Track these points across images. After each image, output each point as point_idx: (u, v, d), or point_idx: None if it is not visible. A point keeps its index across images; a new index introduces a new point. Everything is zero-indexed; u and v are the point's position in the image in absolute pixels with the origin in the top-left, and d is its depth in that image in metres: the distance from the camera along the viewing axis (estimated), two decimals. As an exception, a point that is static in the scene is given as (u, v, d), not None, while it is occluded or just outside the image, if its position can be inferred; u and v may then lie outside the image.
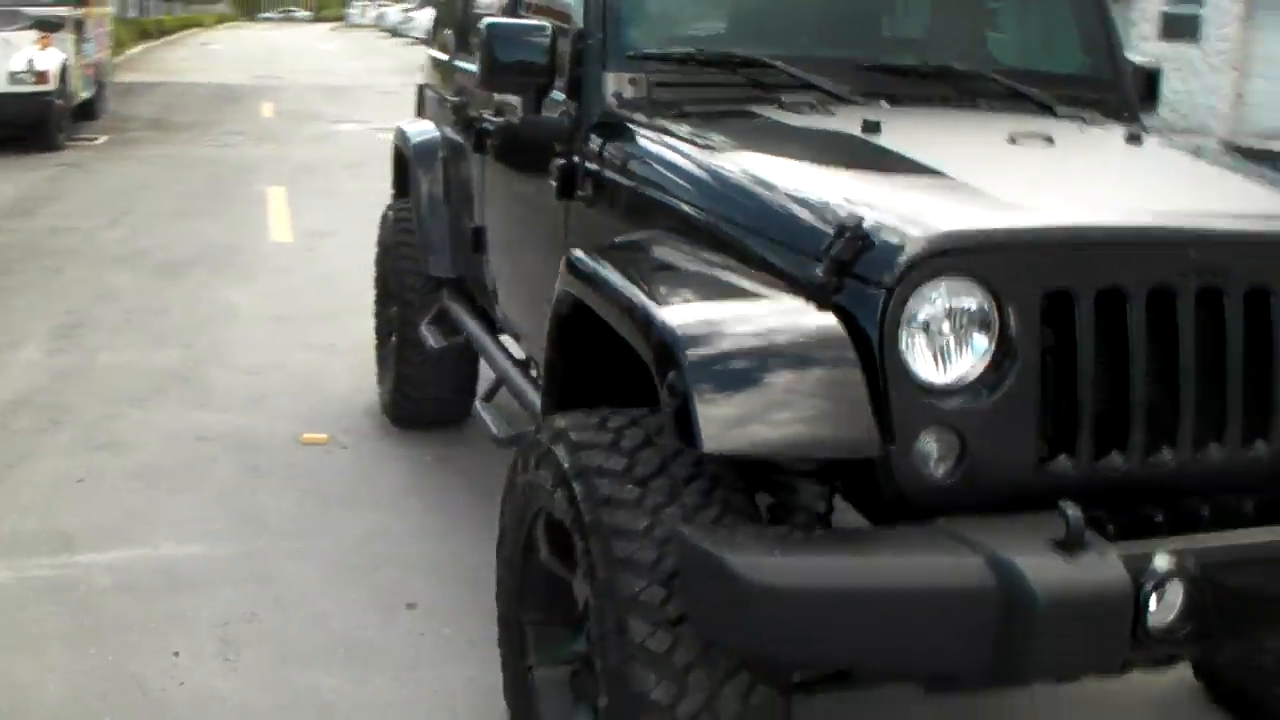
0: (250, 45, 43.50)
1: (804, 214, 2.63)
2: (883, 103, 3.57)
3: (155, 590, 4.10)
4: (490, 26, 3.59)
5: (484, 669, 3.56)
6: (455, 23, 5.38)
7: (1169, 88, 15.37)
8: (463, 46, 5.20)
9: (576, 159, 3.51)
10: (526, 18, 4.07)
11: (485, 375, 5.36)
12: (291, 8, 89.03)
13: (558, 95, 3.63)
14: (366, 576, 4.25)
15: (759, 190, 2.80)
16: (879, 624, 2.21)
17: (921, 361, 2.38)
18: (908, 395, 2.36)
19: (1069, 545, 2.22)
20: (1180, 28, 18.33)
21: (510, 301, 4.41)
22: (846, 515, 2.69)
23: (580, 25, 3.60)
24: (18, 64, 13.73)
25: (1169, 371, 2.48)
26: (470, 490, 4.99)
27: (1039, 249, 2.46)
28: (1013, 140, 3.16)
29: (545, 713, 2.98)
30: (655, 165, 3.20)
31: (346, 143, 16.07)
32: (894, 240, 2.40)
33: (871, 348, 2.35)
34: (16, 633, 3.81)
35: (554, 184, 3.55)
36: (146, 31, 40.50)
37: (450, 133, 5.21)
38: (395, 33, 50.62)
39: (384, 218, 5.71)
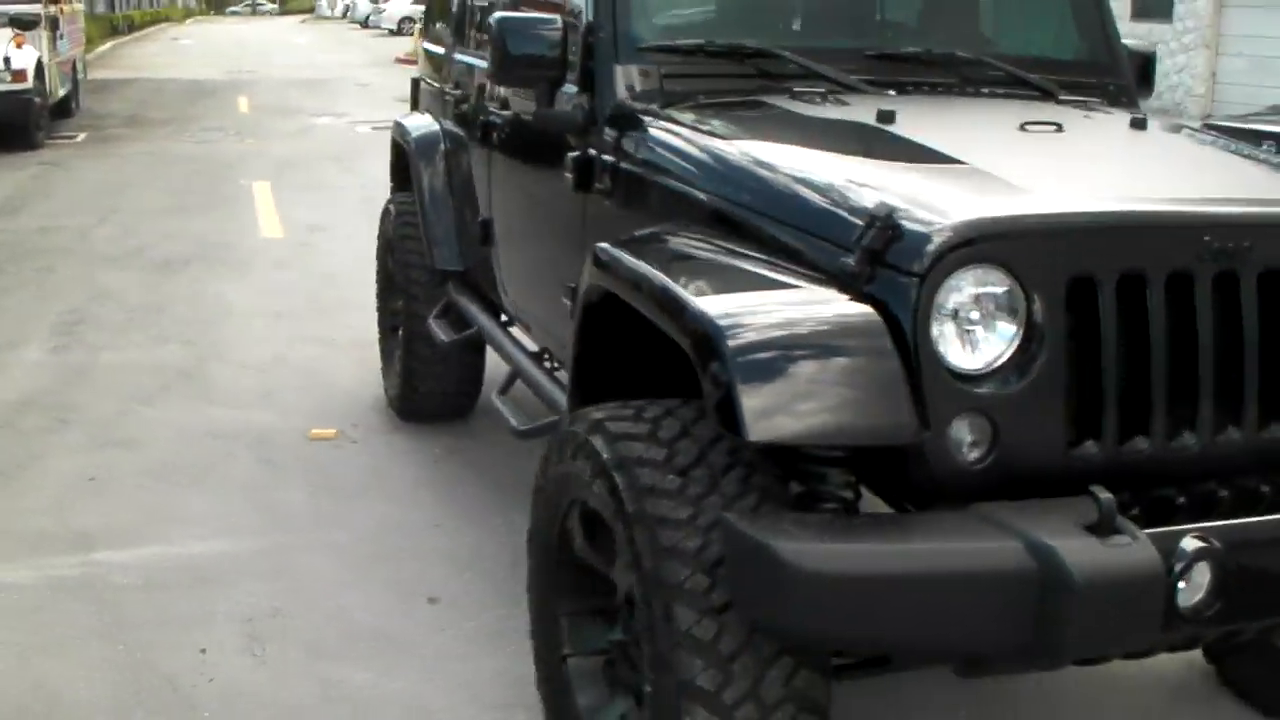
0: (220, 39, 43.21)
1: (832, 205, 2.68)
2: (890, 91, 3.63)
3: (177, 587, 4.14)
4: (501, 20, 3.63)
5: (511, 660, 3.63)
6: (451, 16, 5.40)
7: (1145, 67, 15.38)
8: (460, 40, 5.22)
9: (592, 151, 3.54)
10: (526, 10, 4.11)
11: (490, 368, 5.43)
12: (259, 0, 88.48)
13: (569, 88, 3.67)
14: (386, 569, 4.29)
15: (784, 181, 2.85)
16: (922, 607, 2.27)
17: (952, 348, 2.44)
18: (941, 382, 2.41)
19: (1101, 528, 2.28)
20: (1153, 7, 18.40)
21: (522, 293, 4.44)
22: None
23: (589, 18, 3.63)
24: (-6, 63, 13.67)
25: (1188, 355, 2.54)
26: (481, 482, 5.03)
27: (1064, 236, 2.51)
28: (1024, 128, 3.21)
29: (580, 703, 3.02)
30: (676, 157, 3.24)
31: (326, 136, 16.05)
32: (925, 230, 2.44)
33: (904, 336, 2.40)
34: (43, 633, 3.84)
35: (569, 176, 3.58)
36: (115, 27, 40.25)
37: (451, 126, 5.24)
38: (366, 25, 50.35)
39: (385, 212, 5.72)
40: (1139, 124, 3.44)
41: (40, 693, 3.52)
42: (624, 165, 3.41)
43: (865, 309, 2.42)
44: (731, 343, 2.35)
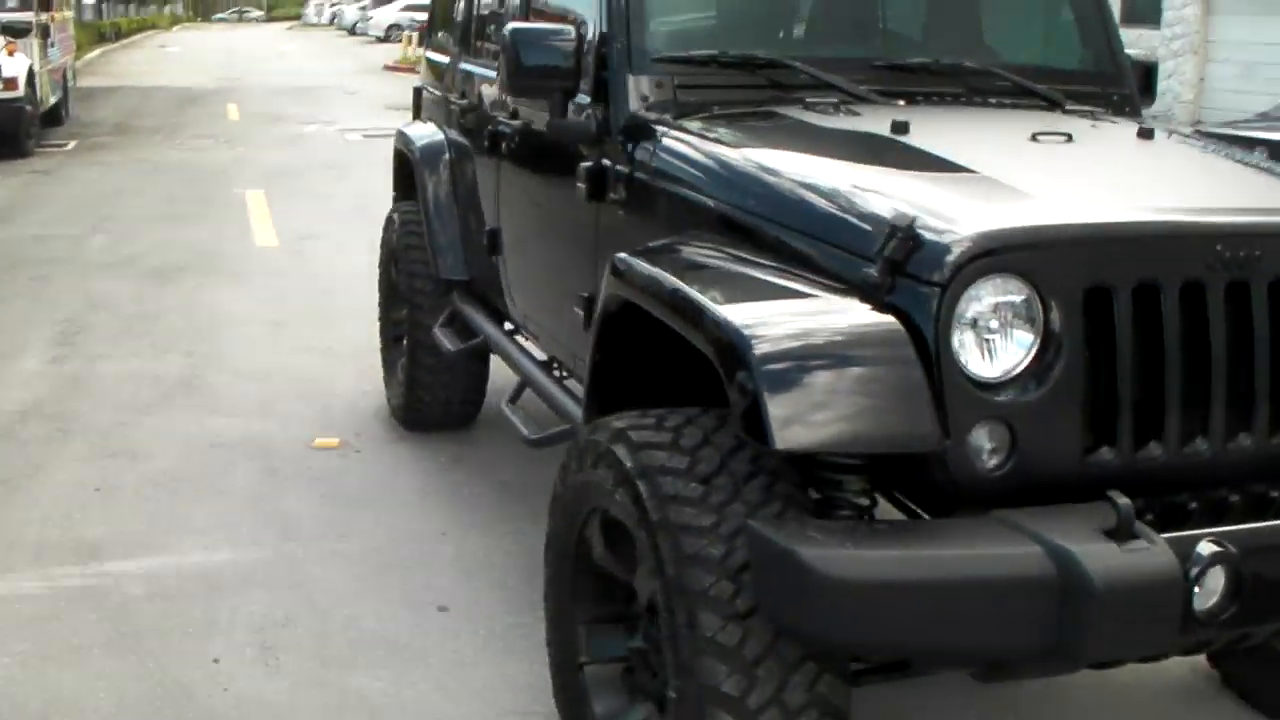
0: (207, 47, 43.21)
1: (852, 215, 2.71)
2: (899, 101, 3.66)
3: (188, 597, 4.14)
4: (515, 31, 3.65)
5: (523, 667, 3.65)
6: (456, 25, 5.42)
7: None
8: (466, 49, 5.24)
9: (606, 161, 3.56)
10: (536, 20, 4.14)
11: (495, 377, 5.44)
12: (245, 8, 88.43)
13: (582, 99, 3.69)
14: (396, 577, 4.30)
15: (803, 192, 2.88)
16: (945, 612, 2.30)
17: (972, 357, 2.47)
18: (961, 390, 2.44)
19: (1120, 534, 2.32)
20: (1141, 12, 18.50)
21: (531, 302, 4.46)
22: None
23: (603, 29, 3.66)
24: (-14, 71, 13.66)
25: (1200, 363, 2.58)
26: (487, 491, 5.04)
27: (1081, 246, 2.55)
28: (1035, 138, 3.25)
29: (597, 710, 3.04)
30: (691, 167, 3.27)
31: (316, 144, 16.05)
32: (945, 240, 2.48)
33: (926, 345, 2.43)
34: (56, 643, 3.84)
35: (582, 186, 3.60)
36: (103, 35, 40.20)
37: (456, 135, 5.25)
38: (353, 32, 50.37)
39: (389, 221, 5.73)
40: (1146, 134, 3.48)
41: (58, 703, 3.52)
42: (638, 175, 3.43)
43: (888, 319, 2.45)
44: (758, 352, 2.38)
